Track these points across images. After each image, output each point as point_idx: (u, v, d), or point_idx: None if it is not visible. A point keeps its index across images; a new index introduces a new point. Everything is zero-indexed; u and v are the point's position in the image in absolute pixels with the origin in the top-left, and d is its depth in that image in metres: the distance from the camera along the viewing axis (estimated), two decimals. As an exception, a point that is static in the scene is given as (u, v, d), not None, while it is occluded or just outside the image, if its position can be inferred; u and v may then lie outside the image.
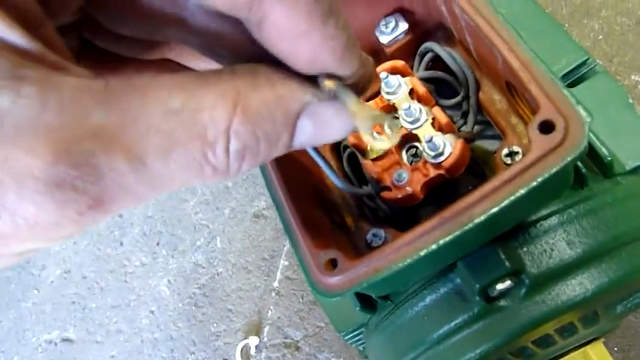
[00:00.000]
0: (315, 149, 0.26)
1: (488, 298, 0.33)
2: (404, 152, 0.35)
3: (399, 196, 0.32)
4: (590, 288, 0.33)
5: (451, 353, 0.35)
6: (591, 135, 0.34)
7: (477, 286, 0.32)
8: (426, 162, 0.32)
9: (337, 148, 0.41)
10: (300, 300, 0.80)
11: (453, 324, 0.35)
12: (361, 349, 0.50)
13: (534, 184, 0.23)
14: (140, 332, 0.96)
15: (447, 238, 0.25)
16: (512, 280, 0.32)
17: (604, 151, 0.34)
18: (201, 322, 0.89)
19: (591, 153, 0.35)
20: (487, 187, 0.25)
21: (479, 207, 0.25)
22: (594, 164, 0.36)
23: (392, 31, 0.36)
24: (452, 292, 0.35)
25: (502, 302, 0.34)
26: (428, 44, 0.35)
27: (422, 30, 0.36)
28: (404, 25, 0.36)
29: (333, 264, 0.27)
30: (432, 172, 0.32)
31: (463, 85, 0.34)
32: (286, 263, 0.84)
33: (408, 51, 0.36)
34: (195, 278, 0.93)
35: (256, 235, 0.90)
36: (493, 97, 0.34)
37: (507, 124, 0.33)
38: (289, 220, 0.30)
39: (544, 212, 0.34)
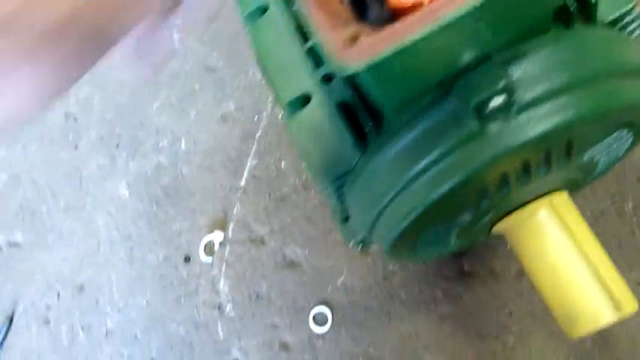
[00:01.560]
0: None
1: (480, 116, 0.35)
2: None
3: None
4: (571, 113, 0.36)
5: (441, 177, 0.38)
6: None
7: (474, 101, 0.34)
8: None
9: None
10: (267, 197, 0.81)
11: (446, 145, 0.37)
12: (338, 206, 0.52)
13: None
14: (96, 234, 0.93)
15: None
16: (504, 98, 0.35)
17: (591, -6, 0.37)
18: (163, 222, 0.88)
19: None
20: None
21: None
22: (579, 10, 0.39)
23: None
24: (445, 117, 0.37)
25: (492, 123, 0.36)
26: None
27: None
28: None
29: (353, 39, 0.28)
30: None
31: None
32: (254, 162, 0.85)
33: None
34: (157, 179, 0.92)
35: (223, 136, 0.89)
36: None
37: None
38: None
39: (533, 43, 0.36)
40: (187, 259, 0.84)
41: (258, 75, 0.90)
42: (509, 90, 0.35)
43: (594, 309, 0.41)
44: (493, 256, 0.65)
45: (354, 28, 0.28)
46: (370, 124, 0.40)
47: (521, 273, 0.64)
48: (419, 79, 0.34)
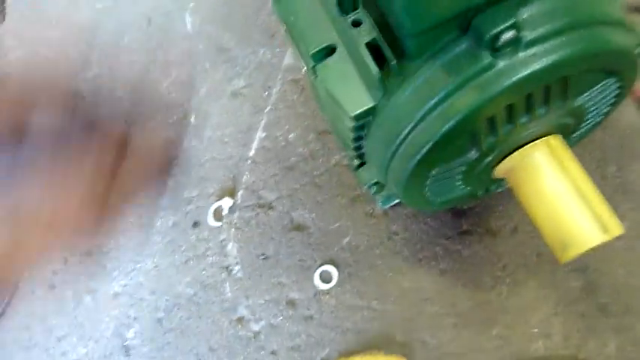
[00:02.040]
0: None
1: (493, 48, 0.41)
2: None
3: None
4: (568, 51, 0.42)
5: (453, 109, 0.43)
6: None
7: (488, 34, 0.40)
8: None
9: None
10: (277, 165, 0.86)
11: (461, 77, 0.43)
12: (355, 152, 0.57)
13: None
14: (104, 203, 0.96)
15: None
16: (513, 33, 0.41)
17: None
18: (172, 189, 0.92)
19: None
20: None
21: None
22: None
23: None
24: (461, 52, 0.43)
25: (503, 56, 0.42)
26: None
27: None
28: None
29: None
30: None
31: None
32: (263, 134, 0.89)
33: None
34: (165, 152, 0.96)
35: (234, 110, 0.93)
36: None
37: None
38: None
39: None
40: (196, 225, 0.87)
41: (269, 54, 0.95)
42: (518, 27, 0.40)
43: (586, 232, 0.46)
44: (489, 216, 0.71)
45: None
46: (394, 62, 0.45)
47: (516, 229, 0.69)
48: (443, 8, 0.40)
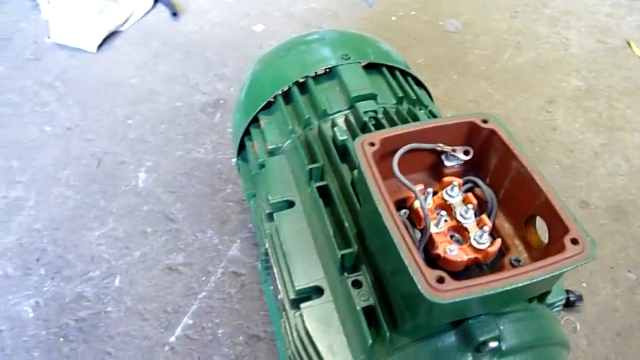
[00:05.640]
0: None
1: (478, 351, 0.47)
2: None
3: (458, 260, 0.46)
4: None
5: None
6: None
7: (478, 339, 0.46)
8: (470, 246, 0.48)
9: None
10: (196, 361, 0.80)
11: (448, 368, 0.47)
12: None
13: (572, 266, 0.41)
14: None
15: (520, 283, 0.39)
16: (497, 344, 0.47)
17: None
18: (66, 358, 0.80)
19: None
20: (538, 264, 0.41)
21: (529, 274, 0.41)
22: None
23: (454, 160, 0.54)
24: (448, 346, 0.48)
25: (482, 359, 0.47)
26: (473, 178, 0.53)
27: (469, 167, 0.55)
28: (463, 159, 0.54)
29: (440, 280, 0.39)
30: (473, 254, 0.47)
31: (487, 210, 0.52)
32: (190, 322, 0.84)
33: (456, 174, 0.54)
34: (73, 309, 0.85)
35: (164, 286, 0.89)
36: (503, 224, 0.52)
37: (512, 242, 0.51)
38: (401, 238, 0.42)
39: (514, 308, 0.51)
40: (81, 410, 0.75)
41: (216, 239, 0.95)
42: (499, 338, 0.47)
43: None
44: None
45: (437, 271, 0.40)
46: (388, 334, 0.49)
47: None
48: (450, 315, 0.46)
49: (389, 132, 0.50)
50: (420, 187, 0.50)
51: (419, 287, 0.39)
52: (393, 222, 0.43)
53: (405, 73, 0.78)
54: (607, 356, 0.84)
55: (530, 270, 0.41)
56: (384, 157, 0.51)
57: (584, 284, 0.92)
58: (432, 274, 0.40)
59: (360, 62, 0.74)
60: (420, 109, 0.73)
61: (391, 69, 0.77)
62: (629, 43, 1.45)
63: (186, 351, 0.81)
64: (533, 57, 1.40)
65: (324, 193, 0.61)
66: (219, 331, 0.83)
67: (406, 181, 0.47)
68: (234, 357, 0.81)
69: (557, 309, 0.61)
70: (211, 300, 0.87)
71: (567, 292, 0.89)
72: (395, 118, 0.66)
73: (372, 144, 0.49)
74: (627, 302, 0.91)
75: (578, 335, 0.86)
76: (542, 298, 0.56)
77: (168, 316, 0.85)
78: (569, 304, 0.88)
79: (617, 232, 1.01)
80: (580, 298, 0.88)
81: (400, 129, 0.51)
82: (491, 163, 0.53)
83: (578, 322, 0.87)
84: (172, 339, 0.82)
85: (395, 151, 0.51)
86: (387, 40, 0.84)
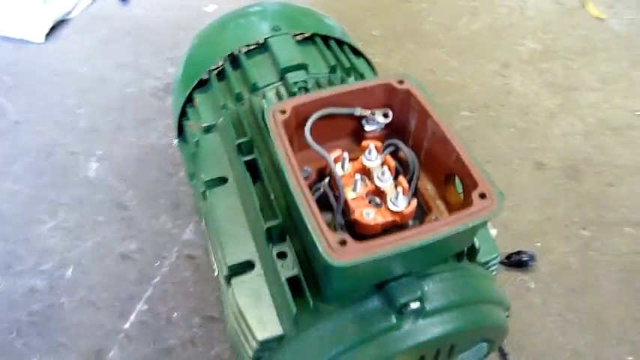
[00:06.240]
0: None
1: (400, 313, 0.47)
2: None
3: (373, 223, 0.45)
4: (457, 324, 0.49)
5: (367, 354, 0.47)
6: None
7: (400, 301, 0.46)
8: (387, 209, 0.47)
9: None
10: (151, 346, 0.80)
11: (369, 332, 0.47)
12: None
13: (479, 221, 0.40)
14: None
15: (423, 241, 0.39)
16: (419, 304, 0.47)
17: (476, 242, 0.54)
18: (19, 353, 0.79)
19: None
20: (442, 221, 0.41)
21: (433, 232, 0.41)
22: (467, 252, 0.55)
23: (374, 124, 0.53)
24: (372, 309, 0.48)
25: (407, 320, 0.47)
26: (394, 140, 0.52)
27: (391, 130, 0.54)
28: (382, 122, 0.53)
29: (342, 243, 0.39)
30: (390, 217, 0.47)
31: (409, 172, 0.52)
32: (145, 307, 0.84)
33: (378, 138, 0.53)
34: (25, 304, 0.84)
35: (117, 274, 0.88)
36: (426, 186, 0.52)
37: (434, 203, 0.51)
38: (306, 203, 0.41)
39: (438, 268, 0.50)
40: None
41: (169, 224, 0.94)
42: (421, 299, 0.47)
43: None
44: None
45: (340, 235, 0.39)
46: (311, 301, 0.49)
47: None
48: (366, 278, 0.45)
49: (301, 99, 0.50)
50: (337, 153, 0.50)
51: (320, 251, 0.39)
52: (298, 188, 0.43)
53: (342, 42, 0.77)
54: (560, 312, 0.85)
55: (434, 227, 0.41)
56: (302, 125, 0.51)
57: (538, 244, 0.93)
58: (334, 237, 0.39)
59: (291, 33, 0.73)
60: (355, 78, 0.72)
61: (325, 39, 0.75)
62: (583, 4, 1.44)
63: (140, 336, 0.81)
64: (489, 22, 1.39)
65: (253, 167, 0.60)
66: (174, 315, 0.83)
67: (317, 147, 0.47)
68: (190, 338, 0.80)
69: (493, 268, 0.61)
70: (166, 284, 0.87)
71: (520, 252, 0.90)
72: (327, 87, 0.65)
73: (284, 111, 0.48)
74: (581, 259, 0.91)
75: (532, 294, 0.87)
76: (471, 256, 0.56)
77: (122, 304, 0.84)
78: (522, 264, 0.89)
79: (572, 190, 1.01)
80: (532, 257, 0.89)
81: (314, 95, 0.51)
82: (411, 125, 0.52)
83: (533, 281, 0.88)
84: (126, 325, 0.82)
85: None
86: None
